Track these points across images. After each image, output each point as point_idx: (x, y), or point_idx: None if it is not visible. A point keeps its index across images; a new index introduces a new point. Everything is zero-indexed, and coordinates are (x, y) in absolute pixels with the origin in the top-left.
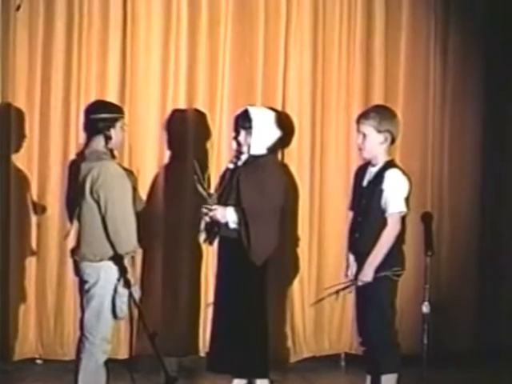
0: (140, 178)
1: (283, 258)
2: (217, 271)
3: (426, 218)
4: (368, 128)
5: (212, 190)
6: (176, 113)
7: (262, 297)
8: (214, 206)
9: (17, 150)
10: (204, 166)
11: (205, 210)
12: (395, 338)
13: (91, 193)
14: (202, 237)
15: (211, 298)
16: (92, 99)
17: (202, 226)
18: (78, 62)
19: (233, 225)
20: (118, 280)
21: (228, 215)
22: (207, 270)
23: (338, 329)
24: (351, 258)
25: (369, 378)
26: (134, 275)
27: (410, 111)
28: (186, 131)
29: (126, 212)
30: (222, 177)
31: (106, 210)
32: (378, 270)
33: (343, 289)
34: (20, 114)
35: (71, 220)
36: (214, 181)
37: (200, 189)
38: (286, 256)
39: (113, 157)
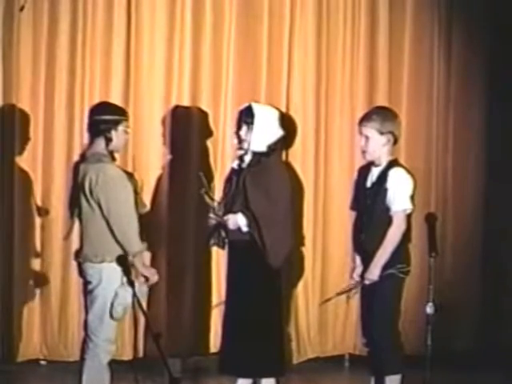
0: (144, 177)
1: (288, 258)
2: (228, 274)
3: (430, 219)
4: (370, 130)
5: (217, 197)
6: (178, 110)
7: (279, 296)
8: (226, 217)
9: (21, 152)
10: (210, 176)
11: (214, 220)
12: (399, 339)
13: (91, 194)
14: (211, 241)
15: (215, 300)
16: (96, 99)
17: (211, 231)
18: (81, 63)
19: (245, 228)
20: (121, 282)
21: (239, 221)
22: (211, 271)
23: (342, 330)
24: (358, 259)
25: (373, 379)
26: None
27: (413, 113)
28: (188, 129)
29: (129, 213)
30: (228, 180)
31: (110, 212)
32: (385, 268)
33: (350, 289)
34: (25, 117)
35: (72, 218)
36: (219, 180)
37: (207, 200)
38: (291, 256)
39: (113, 159)
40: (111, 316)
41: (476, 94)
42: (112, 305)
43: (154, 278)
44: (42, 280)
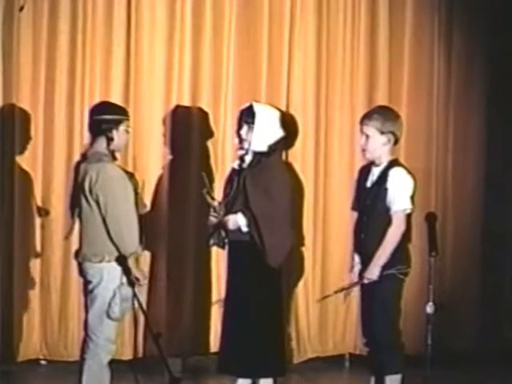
0: (145, 177)
1: (288, 258)
2: (228, 274)
3: (430, 219)
4: (371, 129)
5: (217, 197)
6: (178, 110)
7: (279, 296)
8: (226, 217)
9: (21, 152)
10: (210, 176)
11: (214, 220)
12: (399, 339)
13: (90, 194)
14: (212, 241)
15: (215, 299)
16: (96, 99)
17: (211, 231)
18: (82, 63)
19: (245, 228)
20: (120, 282)
21: (239, 221)
22: (211, 271)
23: (343, 329)
24: (356, 258)
25: (373, 379)
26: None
27: (413, 112)
28: (189, 129)
29: (128, 213)
30: (229, 180)
31: (107, 211)
32: (384, 268)
33: (349, 287)
34: (25, 116)
35: (73, 218)
36: (219, 180)
37: (209, 200)
38: (291, 256)
39: (114, 159)
40: (108, 316)
41: (476, 93)
42: (109, 305)
43: (145, 281)
44: (41, 280)
